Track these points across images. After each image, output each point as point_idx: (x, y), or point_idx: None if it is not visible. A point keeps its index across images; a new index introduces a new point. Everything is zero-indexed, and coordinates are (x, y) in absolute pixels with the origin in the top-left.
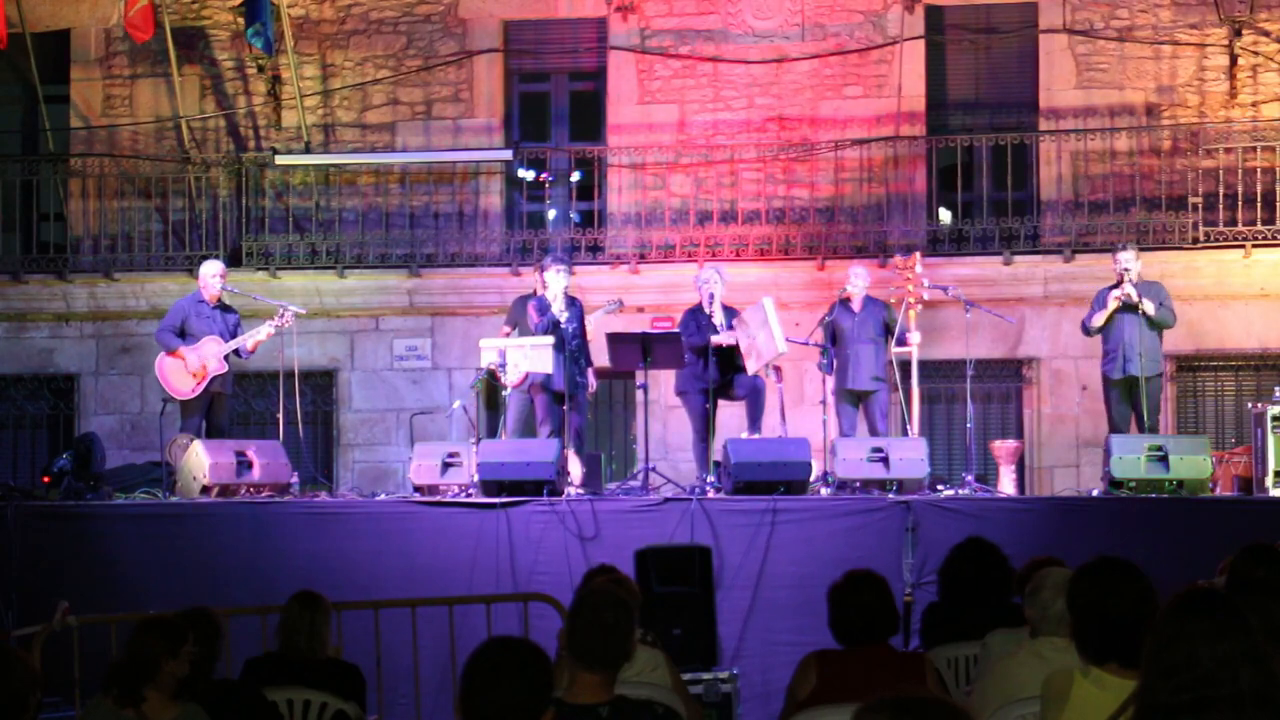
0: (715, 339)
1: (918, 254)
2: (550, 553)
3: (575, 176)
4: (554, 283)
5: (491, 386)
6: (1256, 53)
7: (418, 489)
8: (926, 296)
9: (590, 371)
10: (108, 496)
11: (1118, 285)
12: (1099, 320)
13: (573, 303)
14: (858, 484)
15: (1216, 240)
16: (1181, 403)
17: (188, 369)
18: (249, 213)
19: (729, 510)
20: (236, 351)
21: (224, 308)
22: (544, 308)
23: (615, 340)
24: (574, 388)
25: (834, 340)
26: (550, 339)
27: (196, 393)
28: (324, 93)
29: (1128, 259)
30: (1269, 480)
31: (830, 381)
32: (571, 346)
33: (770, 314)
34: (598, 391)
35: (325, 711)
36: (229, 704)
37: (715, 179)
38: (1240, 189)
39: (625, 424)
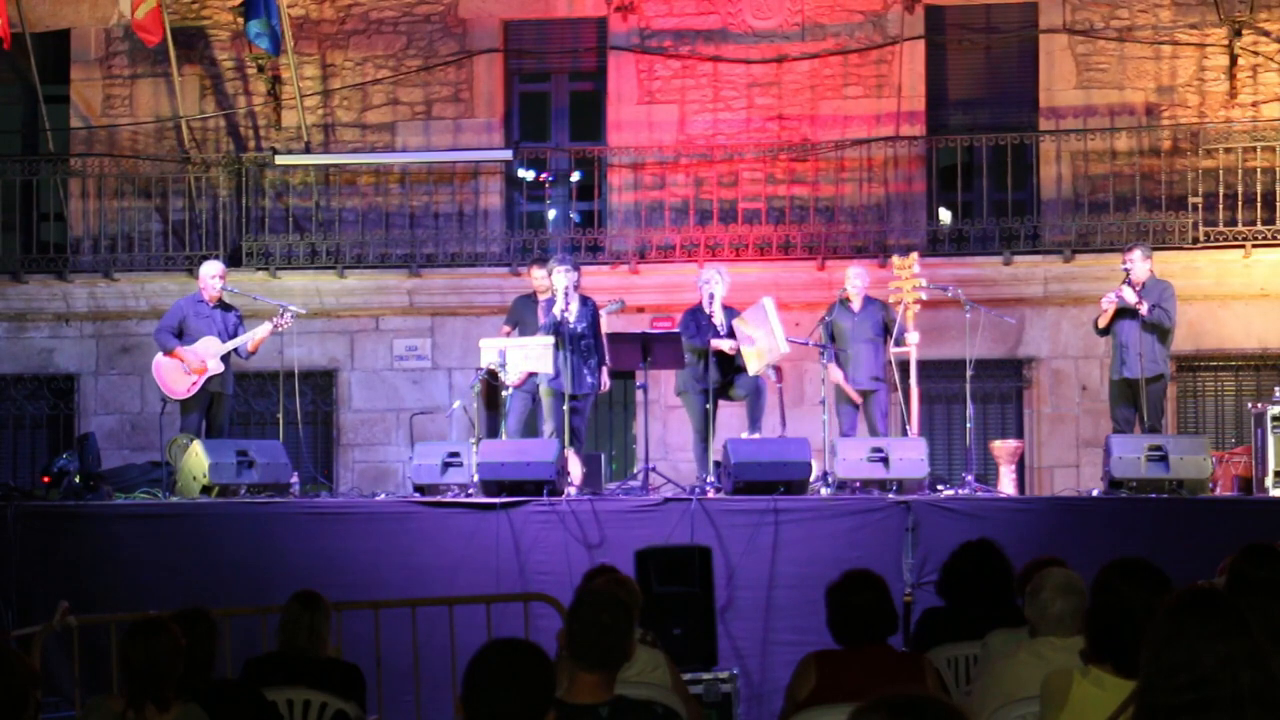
0: (715, 344)
1: (917, 254)
2: (550, 553)
3: (575, 176)
4: (557, 282)
5: (491, 386)
6: (1256, 53)
7: (418, 489)
8: (926, 296)
9: (604, 371)
10: (108, 496)
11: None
12: (1101, 321)
13: (585, 302)
14: (858, 484)
15: (1216, 240)
16: (1181, 403)
17: (185, 368)
18: (249, 213)
19: (729, 510)
20: (236, 351)
21: (224, 307)
22: (550, 307)
23: (615, 340)
24: (581, 387)
25: (834, 340)
26: (550, 339)
27: (193, 391)
28: (324, 93)
29: (1133, 259)
30: (1269, 480)
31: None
32: (582, 346)
33: (771, 314)
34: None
35: (325, 711)
36: (229, 704)
37: (715, 179)
38: (1240, 189)
39: (625, 424)
